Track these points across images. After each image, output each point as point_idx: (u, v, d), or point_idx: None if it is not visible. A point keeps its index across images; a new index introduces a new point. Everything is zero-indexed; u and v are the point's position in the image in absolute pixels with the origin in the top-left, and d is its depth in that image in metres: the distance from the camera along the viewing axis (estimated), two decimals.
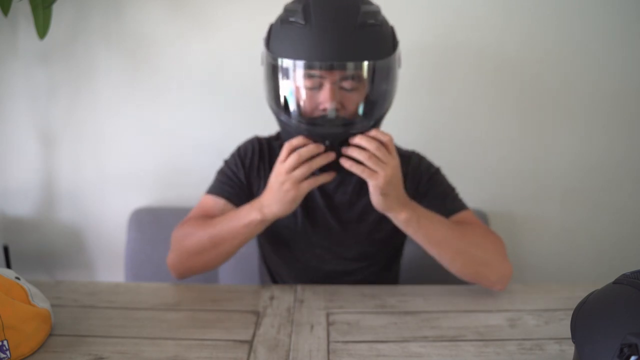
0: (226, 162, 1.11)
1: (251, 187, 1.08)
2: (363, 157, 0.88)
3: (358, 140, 0.88)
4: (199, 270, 1.01)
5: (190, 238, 0.99)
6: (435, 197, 1.05)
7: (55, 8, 1.33)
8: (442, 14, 1.45)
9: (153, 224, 1.49)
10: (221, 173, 1.09)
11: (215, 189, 1.06)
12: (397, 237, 1.09)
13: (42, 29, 1.30)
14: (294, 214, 1.06)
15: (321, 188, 1.06)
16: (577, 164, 1.58)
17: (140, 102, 1.52)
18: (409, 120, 1.47)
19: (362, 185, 1.03)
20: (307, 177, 0.91)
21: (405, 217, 0.92)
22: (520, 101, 1.53)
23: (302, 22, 0.87)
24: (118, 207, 1.58)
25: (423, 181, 1.07)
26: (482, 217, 1.53)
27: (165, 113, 1.53)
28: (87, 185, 1.58)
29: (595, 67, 1.51)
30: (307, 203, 1.06)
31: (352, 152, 0.89)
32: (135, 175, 1.57)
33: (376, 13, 0.91)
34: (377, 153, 0.87)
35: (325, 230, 1.08)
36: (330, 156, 0.90)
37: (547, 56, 1.49)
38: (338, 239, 1.08)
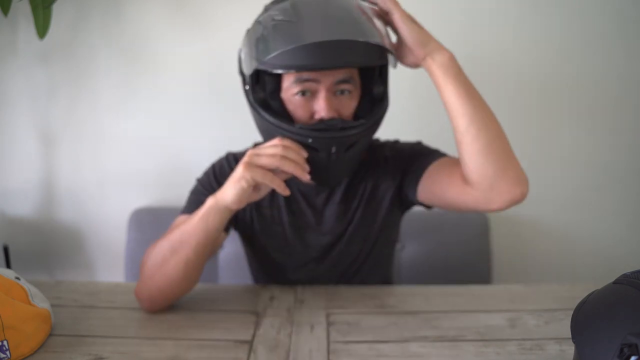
0: (199, 181, 1.04)
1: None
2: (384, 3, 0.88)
3: None
4: (162, 293, 0.89)
5: (152, 253, 0.91)
6: (422, 155, 1.00)
7: (55, 8, 1.33)
8: (444, 18, 1.45)
9: (153, 224, 1.48)
10: (195, 193, 1.02)
11: (190, 209, 0.96)
12: (388, 234, 1.06)
13: (42, 29, 1.30)
14: (284, 236, 1.03)
15: (311, 205, 1.02)
16: (577, 164, 1.59)
17: (140, 102, 1.52)
18: (409, 120, 1.47)
19: (349, 190, 1.02)
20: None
21: (449, 56, 0.87)
22: (520, 102, 1.53)
23: (292, 19, 0.82)
24: (118, 207, 1.57)
25: (405, 153, 1.03)
26: (482, 217, 1.53)
27: (165, 113, 1.53)
28: (87, 185, 1.58)
29: (596, 69, 1.51)
30: (298, 222, 1.03)
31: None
32: (135, 175, 1.57)
33: (367, 8, 0.89)
34: None
35: (317, 247, 1.04)
36: (305, 168, 0.85)
37: (547, 59, 1.49)
38: (331, 252, 1.05)
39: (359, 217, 1.03)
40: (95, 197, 1.59)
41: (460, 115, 0.85)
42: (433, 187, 0.97)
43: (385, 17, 0.90)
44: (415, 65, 0.91)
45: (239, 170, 0.84)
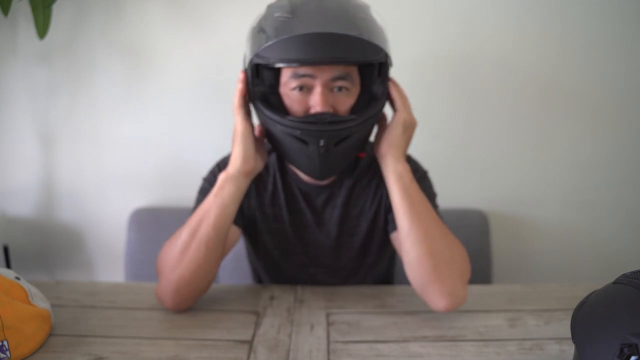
0: (206, 180, 1.04)
1: (241, 206, 0.99)
2: (403, 93, 0.94)
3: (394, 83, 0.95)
4: (187, 283, 0.89)
5: (170, 247, 0.91)
6: None
7: (55, 8, 1.33)
8: (445, 17, 1.45)
9: (153, 224, 1.49)
10: (203, 191, 1.02)
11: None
12: (389, 245, 1.05)
13: (42, 29, 1.30)
14: (285, 234, 1.04)
15: (310, 205, 1.03)
16: (577, 164, 1.59)
17: (140, 102, 1.52)
18: None
19: (351, 196, 1.02)
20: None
21: (403, 168, 0.91)
22: (520, 102, 1.53)
23: (289, 15, 0.84)
24: (118, 207, 1.58)
25: None
26: (482, 217, 1.53)
27: (165, 112, 1.53)
28: (87, 185, 1.58)
29: (597, 69, 1.51)
30: (297, 221, 1.03)
31: (392, 83, 0.94)
32: (135, 175, 1.57)
33: (366, 7, 0.89)
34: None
35: (317, 248, 1.04)
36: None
37: (548, 58, 1.49)
38: (331, 256, 1.05)
39: (360, 224, 1.03)
40: (95, 197, 1.59)
41: (401, 225, 0.91)
42: (397, 249, 1.00)
43: (390, 103, 0.95)
44: (377, 155, 0.95)
45: (235, 127, 0.92)
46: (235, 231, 0.99)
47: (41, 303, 0.81)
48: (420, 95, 1.50)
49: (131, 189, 1.58)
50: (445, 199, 1.53)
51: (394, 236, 0.99)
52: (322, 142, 0.86)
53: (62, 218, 1.61)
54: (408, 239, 0.90)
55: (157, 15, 1.45)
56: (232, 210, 0.91)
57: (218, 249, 0.91)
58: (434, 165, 1.54)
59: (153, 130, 1.54)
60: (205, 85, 1.51)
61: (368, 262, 1.07)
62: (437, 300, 0.88)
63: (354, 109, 0.91)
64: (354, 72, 0.90)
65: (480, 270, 1.49)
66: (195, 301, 0.93)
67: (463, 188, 1.58)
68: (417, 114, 1.43)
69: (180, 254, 0.89)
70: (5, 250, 1.54)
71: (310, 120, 0.86)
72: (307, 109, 0.89)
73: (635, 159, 1.59)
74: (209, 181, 1.03)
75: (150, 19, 1.45)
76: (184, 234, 0.90)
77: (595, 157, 1.58)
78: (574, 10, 1.46)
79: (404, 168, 0.92)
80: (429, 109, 1.52)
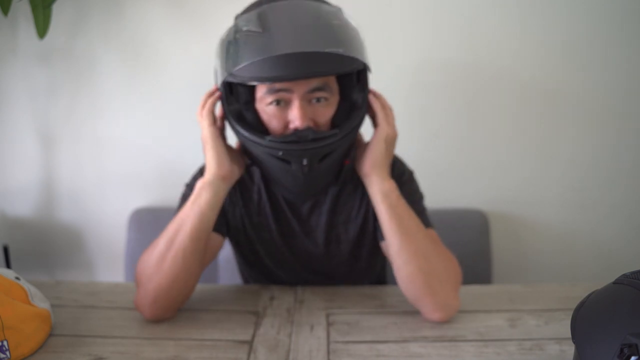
0: (188, 186, 1.00)
1: (225, 214, 0.99)
2: (385, 104, 0.91)
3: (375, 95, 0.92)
4: (164, 294, 0.86)
5: (147, 257, 0.89)
6: None
7: (55, 8, 1.33)
8: (449, 24, 1.45)
9: (153, 224, 1.48)
10: (184, 198, 0.98)
11: None
12: (381, 250, 1.02)
13: (42, 28, 1.30)
14: (274, 243, 1.02)
15: (296, 213, 1.01)
16: (577, 165, 1.59)
17: (140, 102, 1.52)
18: (410, 120, 1.47)
19: (337, 202, 1.00)
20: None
21: (389, 186, 0.89)
22: (521, 103, 1.53)
23: (259, 30, 0.81)
24: (118, 207, 1.58)
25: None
26: (482, 217, 1.53)
27: (165, 113, 1.53)
28: (87, 185, 1.58)
29: (598, 71, 1.51)
30: (284, 230, 1.01)
31: (373, 94, 0.92)
32: (135, 175, 1.57)
33: (337, 12, 0.86)
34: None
35: (306, 256, 1.03)
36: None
37: (545, 58, 1.49)
38: (321, 263, 1.03)
39: (348, 231, 1.01)
40: (95, 197, 1.59)
41: (391, 243, 0.89)
42: (388, 258, 0.97)
43: (371, 115, 0.93)
44: (361, 173, 0.93)
45: (203, 133, 0.91)
46: (218, 239, 0.97)
47: (41, 303, 0.81)
48: (422, 95, 1.50)
49: (131, 189, 1.58)
50: (446, 199, 1.54)
51: (384, 245, 0.97)
52: (305, 162, 0.83)
53: (62, 218, 1.61)
54: (399, 257, 0.88)
55: (157, 15, 1.45)
56: (210, 218, 0.89)
57: (196, 257, 0.88)
58: (435, 165, 1.55)
59: (153, 130, 1.54)
60: (205, 85, 1.49)
61: (359, 268, 1.06)
62: (431, 312, 0.88)
63: (335, 119, 0.88)
64: (332, 81, 0.87)
65: (480, 270, 1.49)
66: (174, 312, 0.90)
67: (463, 188, 1.58)
68: (417, 113, 1.43)
69: (157, 263, 0.87)
70: (5, 250, 1.54)
71: (292, 139, 0.83)
72: (286, 123, 0.86)
73: (636, 159, 1.59)
74: (191, 187, 0.99)
75: (150, 19, 1.45)
76: (160, 243, 0.88)
77: (595, 158, 1.58)
78: (575, 12, 1.46)
79: (390, 186, 0.90)
80: (430, 109, 1.52)
